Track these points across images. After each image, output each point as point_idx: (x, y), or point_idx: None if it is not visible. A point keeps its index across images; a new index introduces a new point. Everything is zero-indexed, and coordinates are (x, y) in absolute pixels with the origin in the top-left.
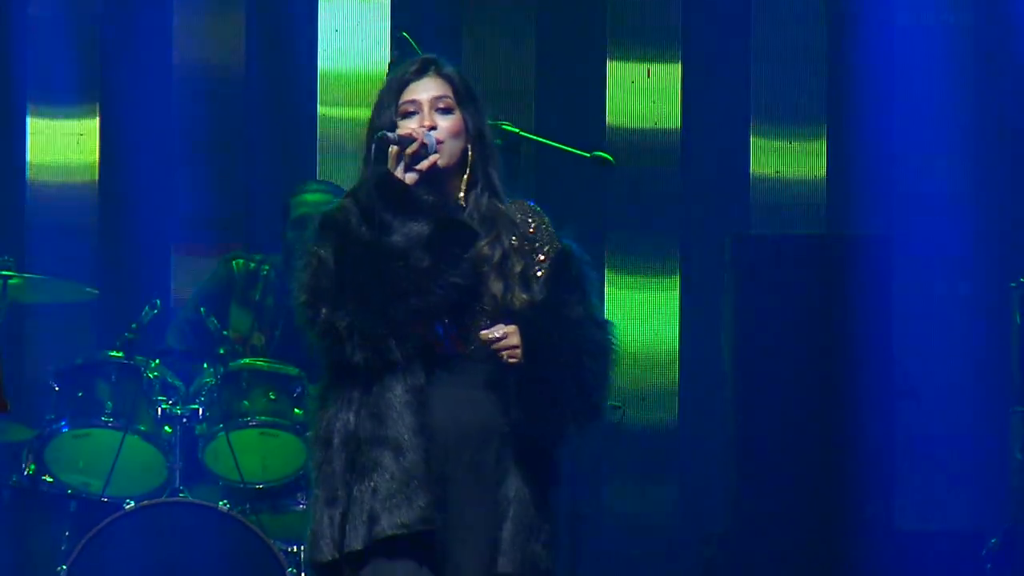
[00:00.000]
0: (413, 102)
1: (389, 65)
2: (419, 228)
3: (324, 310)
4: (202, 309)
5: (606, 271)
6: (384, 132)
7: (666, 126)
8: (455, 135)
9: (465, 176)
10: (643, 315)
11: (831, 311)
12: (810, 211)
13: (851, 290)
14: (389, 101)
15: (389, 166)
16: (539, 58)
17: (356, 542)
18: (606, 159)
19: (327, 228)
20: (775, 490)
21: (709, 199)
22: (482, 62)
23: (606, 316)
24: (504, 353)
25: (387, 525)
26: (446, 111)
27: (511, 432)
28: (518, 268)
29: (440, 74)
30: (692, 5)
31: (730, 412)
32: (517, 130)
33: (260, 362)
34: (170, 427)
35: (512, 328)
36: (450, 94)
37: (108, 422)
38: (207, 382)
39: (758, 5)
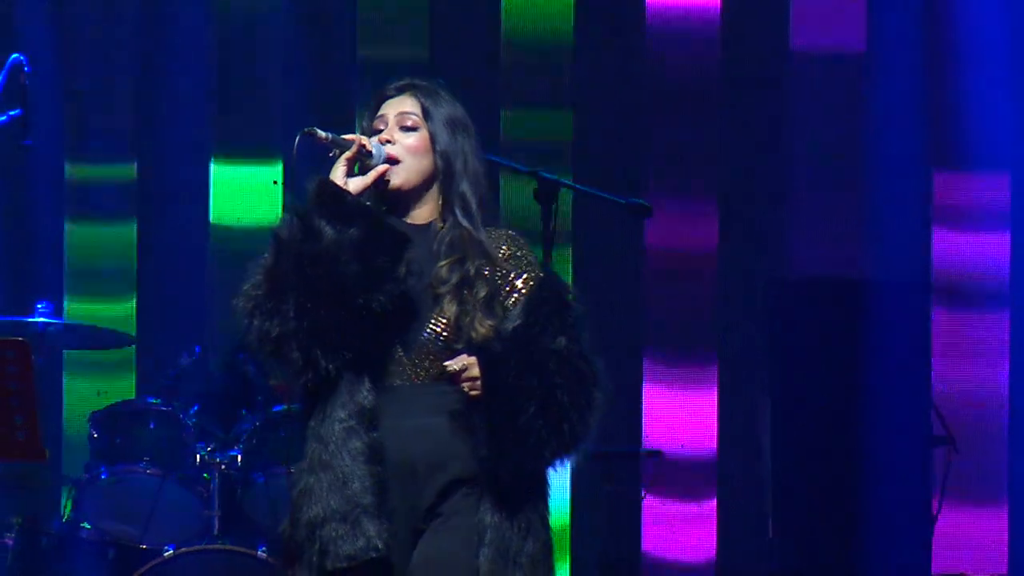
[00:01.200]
0: (382, 118)
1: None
2: (349, 232)
3: (256, 320)
4: (240, 356)
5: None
6: (313, 128)
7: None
8: (415, 152)
9: (439, 199)
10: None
11: (867, 356)
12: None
13: (888, 335)
14: (368, 117)
15: (333, 174)
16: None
17: (308, 573)
18: (643, 205)
19: (274, 238)
20: (810, 536)
21: (746, 242)
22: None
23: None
24: (464, 385)
25: (333, 558)
26: (411, 129)
27: (480, 464)
28: (481, 293)
29: (415, 94)
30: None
31: (768, 455)
32: (555, 177)
33: (298, 409)
34: (208, 474)
35: (472, 360)
36: (418, 112)
37: (147, 469)
38: (246, 428)
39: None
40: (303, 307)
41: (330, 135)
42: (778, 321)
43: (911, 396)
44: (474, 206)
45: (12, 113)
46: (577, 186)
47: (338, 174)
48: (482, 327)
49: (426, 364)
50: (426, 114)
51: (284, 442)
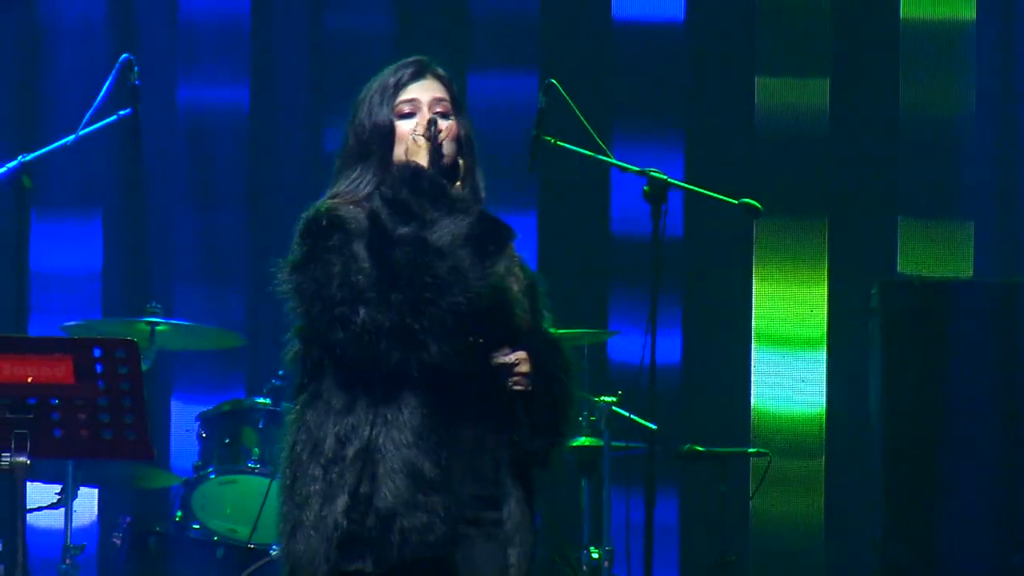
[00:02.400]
0: (411, 102)
1: (539, 111)
2: (460, 224)
3: (363, 309)
4: None
5: (754, 319)
6: (435, 116)
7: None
8: (452, 139)
9: (457, 184)
10: (791, 364)
11: (978, 356)
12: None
13: (999, 335)
14: (384, 101)
15: (406, 159)
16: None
17: (367, 563)
18: (754, 206)
19: (339, 226)
20: (922, 539)
21: (855, 243)
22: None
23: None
24: (514, 379)
25: (414, 547)
26: (445, 115)
27: (511, 451)
28: (524, 281)
29: (437, 77)
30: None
31: (877, 458)
32: (665, 177)
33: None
34: None
35: (523, 355)
36: (448, 99)
37: (255, 468)
38: None
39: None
40: (422, 299)
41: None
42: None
43: None
44: (482, 192)
45: (122, 113)
46: (688, 185)
47: (423, 161)
48: (525, 315)
49: (492, 350)
50: (454, 101)
51: None
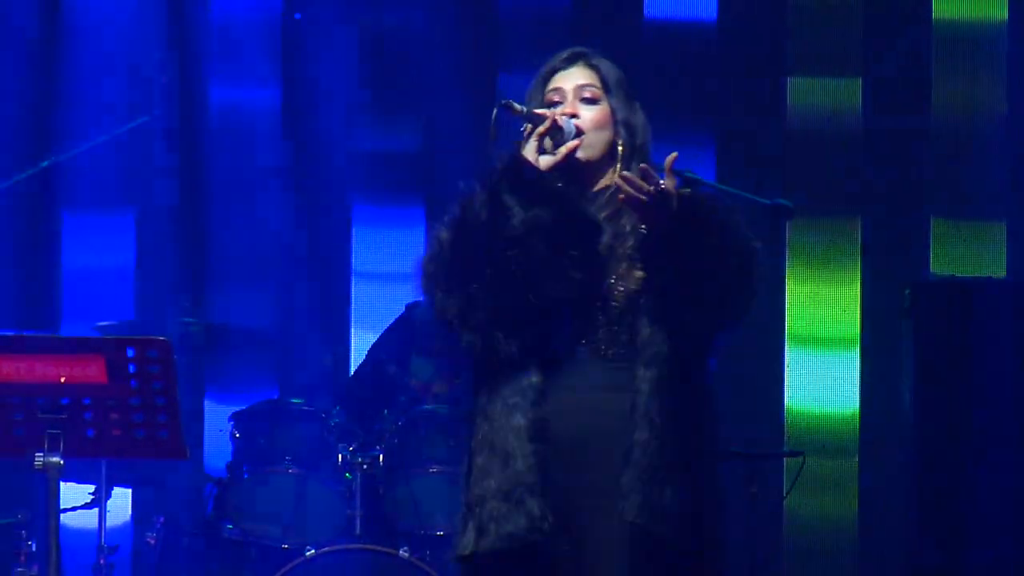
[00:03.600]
0: (558, 90)
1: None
2: (541, 215)
3: (438, 294)
4: (382, 356)
5: (787, 319)
6: (510, 100)
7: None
8: (599, 126)
9: (616, 169)
10: (824, 364)
11: (1011, 356)
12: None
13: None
14: (536, 91)
15: (522, 147)
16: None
17: (466, 549)
18: (786, 207)
19: (449, 210)
20: (956, 539)
21: (888, 244)
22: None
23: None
24: (644, 189)
25: (493, 537)
26: (591, 101)
27: (649, 437)
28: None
29: (588, 64)
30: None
31: (911, 458)
32: (697, 177)
33: (440, 409)
34: (351, 473)
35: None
36: (597, 83)
37: (289, 468)
38: (388, 428)
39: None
40: (487, 288)
41: (524, 108)
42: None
43: None
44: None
45: (155, 112)
46: (720, 186)
47: (530, 150)
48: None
49: (598, 337)
50: (605, 86)
51: (425, 441)
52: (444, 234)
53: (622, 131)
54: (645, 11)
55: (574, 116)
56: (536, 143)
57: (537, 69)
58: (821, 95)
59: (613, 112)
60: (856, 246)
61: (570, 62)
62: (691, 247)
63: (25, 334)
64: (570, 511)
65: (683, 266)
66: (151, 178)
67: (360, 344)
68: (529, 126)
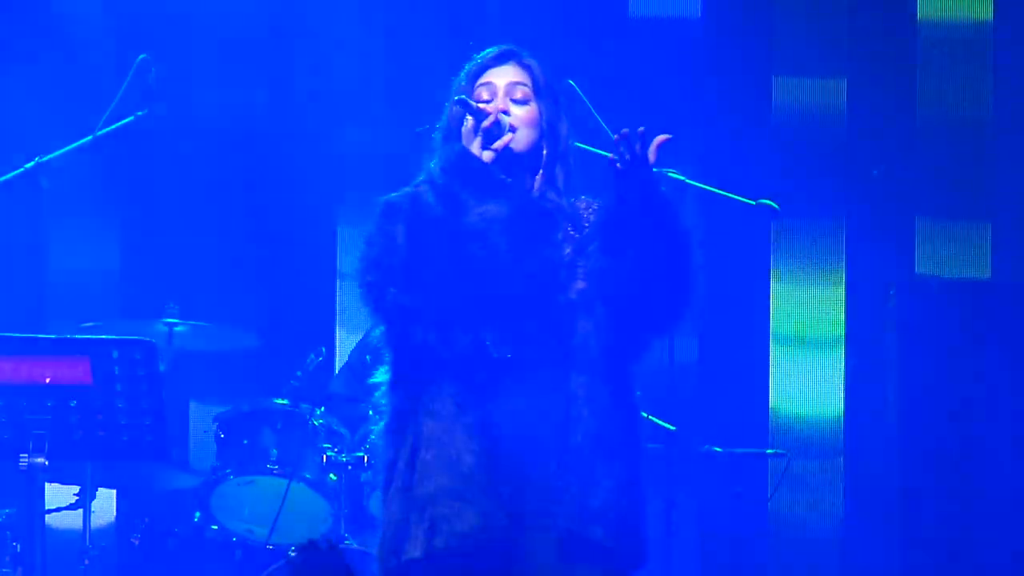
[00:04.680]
0: (488, 85)
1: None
2: (496, 210)
3: (392, 290)
4: (367, 357)
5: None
6: (465, 96)
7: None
8: (529, 124)
9: (540, 172)
10: (808, 364)
11: (994, 356)
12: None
13: (1016, 335)
14: (466, 84)
15: (464, 143)
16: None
17: (416, 550)
18: (771, 206)
19: (397, 209)
20: (941, 539)
21: (873, 244)
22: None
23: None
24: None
25: (446, 536)
26: (522, 100)
27: (582, 441)
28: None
29: (520, 63)
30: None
31: (896, 458)
32: (682, 177)
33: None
34: (335, 474)
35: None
36: (527, 83)
37: (273, 469)
38: (373, 428)
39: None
40: (448, 282)
41: (475, 104)
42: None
43: None
44: (561, 180)
45: (139, 113)
46: (705, 186)
47: (476, 144)
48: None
49: (543, 337)
50: (535, 86)
51: None
52: (393, 231)
53: (548, 133)
54: (630, 9)
55: (504, 112)
56: (481, 138)
57: None
58: (807, 95)
59: (540, 113)
60: (841, 246)
61: (502, 60)
62: (648, 227)
63: (10, 335)
64: (513, 510)
65: (638, 247)
66: (136, 178)
67: (344, 344)
68: (471, 120)
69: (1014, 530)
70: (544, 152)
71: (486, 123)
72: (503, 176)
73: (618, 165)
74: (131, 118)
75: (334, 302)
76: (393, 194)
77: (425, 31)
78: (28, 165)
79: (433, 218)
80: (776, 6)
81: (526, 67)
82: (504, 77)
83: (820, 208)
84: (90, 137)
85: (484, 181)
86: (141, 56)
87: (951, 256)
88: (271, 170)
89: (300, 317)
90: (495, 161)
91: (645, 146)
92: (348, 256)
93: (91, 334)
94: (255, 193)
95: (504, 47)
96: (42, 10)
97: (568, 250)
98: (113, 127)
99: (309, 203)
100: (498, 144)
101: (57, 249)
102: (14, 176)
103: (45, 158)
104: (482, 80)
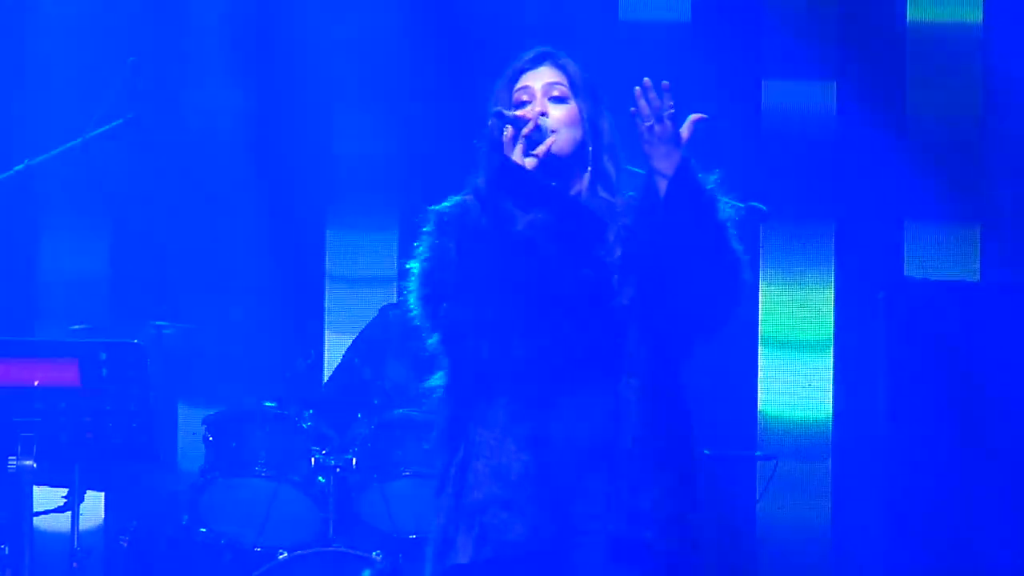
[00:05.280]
0: (526, 89)
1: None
2: (544, 217)
3: (444, 305)
4: (356, 359)
5: (760, 322)
6: (501, 108)
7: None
8: (569, 124)
9: (588, 171)
10: (797, 367)
11: (983, 359)
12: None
13: (1004, 338)
14: (503, 91)
15: (505, 152)
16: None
17: (463, 556)
18: (760, 209)
19: (447, 221)
20: (929, 541)
21: (862, 247)
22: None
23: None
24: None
25: (494, 545)
26: (560, 99)
27: (632, 446)
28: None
29: (555, 64)
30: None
31: (884, 461)
32: None
33: (414, 412)
34: (324, 477)
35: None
36: (564, 82)
37: (262, 472)
38: (361, 432)
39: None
40: (500, 293)
41: (511, 114)
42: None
43: None
44: (613, 175)
45: (129, 116)
46: None
47: (518, 152)
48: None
49: (597, 344)
50: (572, 85)
51: (398, 445)
52: (444, 246)
53: (590, 131)
54: (620, 12)
55: (543, 115)
56: (523, 145)
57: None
58: (796, 98)
59: (581, 111)
60: (830, 249)
61: (537, 62)
62: (687, 217)
63: None
64: (563, 518)
65: (676, 239)
66: (126, 182)
67: (334, 348)
68: (510, 128)
69: (1005, 533)
70: (590, 150)
71: (525, 130)
72: (549, 181)
73: (642, 126)
74: (120, 121)
75: (323, 305)
76: (444, 204)
77: (413, 35)
78: (18, 168)
79: (481, 231)
80: (765, 9)
81: (561, 67)
82: (540, 79)
83: (809, 211)
84: (80, 140)
85: (529, 189)
86: (130, 59)
87: (940, 259)
88: (260, 173)
89: (289, 320)
90: (539, 167)
91: (677, 123)
92: (337, 259)
93: (80, 337)
94: (244, 196)
95: (539, 49)
96: (30, 12)
97: (619, 252)
98: (102, 130)
99: (298, 206)
100: (540, 149)
101: (46, 252)
102: (4, 179)
103: (35, 161)
104: (519, 85)
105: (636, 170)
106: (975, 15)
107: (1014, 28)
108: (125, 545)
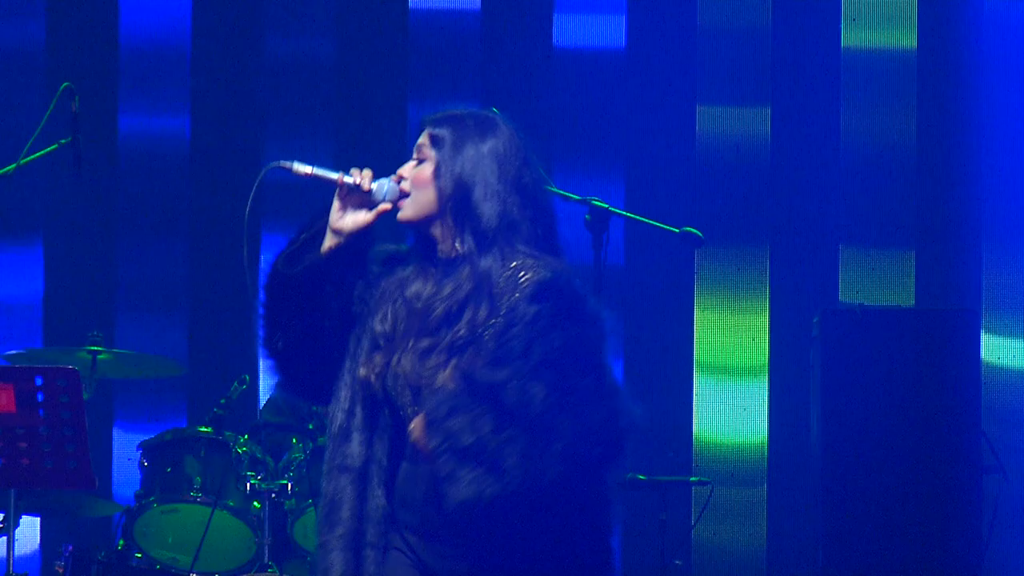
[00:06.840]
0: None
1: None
2: (393, 280)
3: (263, 329)
4: None
5: (695, 348)
6: (290, 162)
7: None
8: (420, 184)
9: (439, 229)
10: (732, 392)
11: (919, 384)
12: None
13: (939, 363)
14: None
15: (332, 210)
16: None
17: None
18: (695, 234)
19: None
20: (863, 565)
21: (797, 272)
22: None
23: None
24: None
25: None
26: (420, 160)
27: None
28: (461, 332)
29: (436, 124)
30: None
31: (818, 487)
32: (606, 205)
33: None
34: (259, 502)
35: (417, 420)
36: (427, 143)
37: (197, 497)
38: (296, 457)
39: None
40: (289, 321)
41: (314, 169)
42: (831, 349)
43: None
44: (492, 232)
45: (62, 141)
46: (629, 214)
47: (332, 210)
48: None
49: (408, 395)
50: (436, 143)
51: None
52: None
53: (445, 188)
54: (554, 39)
55: (402, 178)
56: (337, 203)
57: (447, 98)
58: (730, 123)
59: (437, 167)
60: (765, 274)
61: (426, 124)
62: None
63: None
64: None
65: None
66: (60, 206)
67: (268, 373)
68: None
69: (934, 558)
70: (449, 205)
71: (338, 190)
72: (397, 246)
73: None
74: (55, 146)
75: (257, 331)
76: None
77: (348, 60)
78: None
79: (278, 269)
80: (700, 35)
81: (436, 125)
82: (418, 142)
83: (744, 236)
84: (13, 166)
85: (396, 253)
86: (64, 84)
87: (875, 284)
88: (196, 197)
89: (224, 345)
90: (406, 226)
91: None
92: None
93: (15, 362)
94: (179, 221)
95: (438, 113)
96: None
97: (462, 330)
98: (37, 155)
99: (235, 229)
100: (372, 214)
101: None
102: None
103: None
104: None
105: (570, 196)
106: (910, 40)
107: (948, 53)
108: (60, 571)
